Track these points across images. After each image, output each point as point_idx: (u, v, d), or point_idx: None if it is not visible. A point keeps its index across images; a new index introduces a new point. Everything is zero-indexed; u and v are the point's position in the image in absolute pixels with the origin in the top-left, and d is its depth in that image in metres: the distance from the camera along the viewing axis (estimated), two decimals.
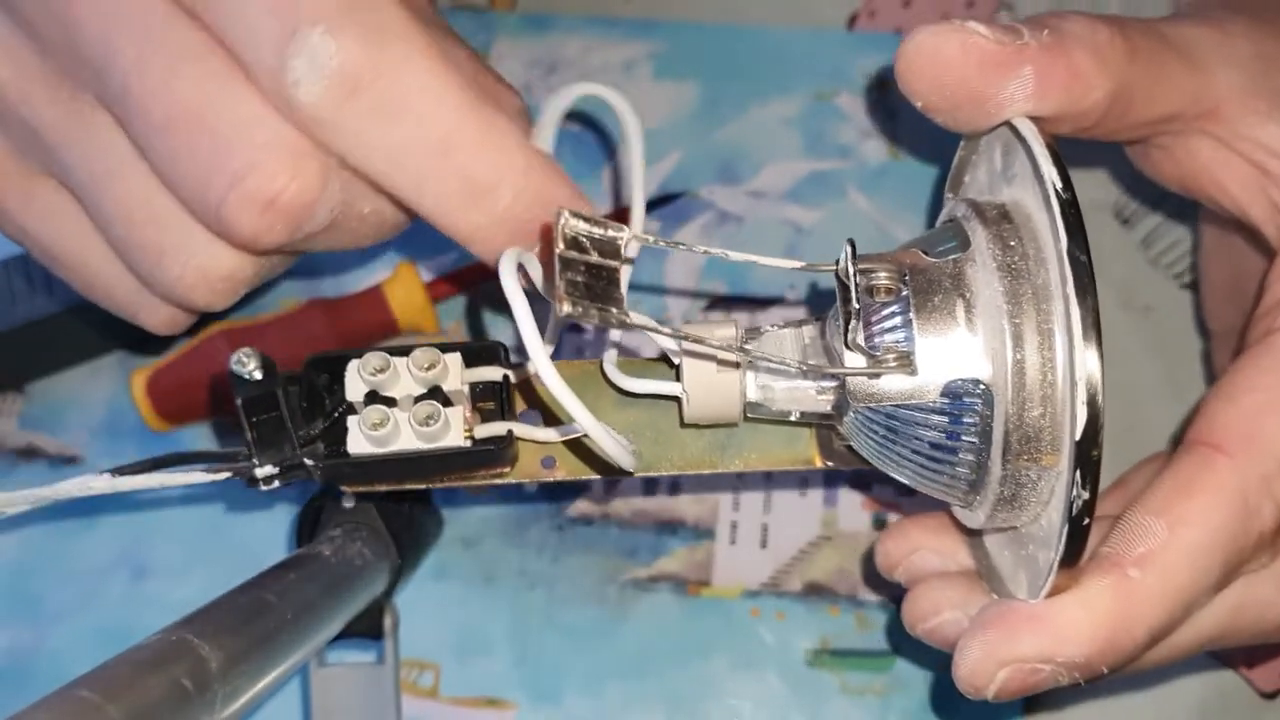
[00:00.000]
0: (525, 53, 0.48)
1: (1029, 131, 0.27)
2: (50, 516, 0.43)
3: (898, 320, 0.27)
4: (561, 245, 0.26)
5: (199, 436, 0.43)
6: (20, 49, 0.29)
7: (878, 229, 0.45)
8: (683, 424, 0.31)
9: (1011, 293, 0.26)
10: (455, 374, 0.30)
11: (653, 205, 0.46)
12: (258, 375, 0.28)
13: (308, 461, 0.29)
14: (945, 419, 0.27)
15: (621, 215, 0.30)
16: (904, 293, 0.27)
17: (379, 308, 0.43)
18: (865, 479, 0.43)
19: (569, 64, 0.48)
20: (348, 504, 0.36)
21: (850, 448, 0.30)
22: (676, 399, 0.30)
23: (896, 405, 0.27)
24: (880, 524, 0.42)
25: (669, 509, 0.43)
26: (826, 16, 0.49)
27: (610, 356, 0.31)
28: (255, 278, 0.31)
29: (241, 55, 0.27)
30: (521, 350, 0.25)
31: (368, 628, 0.37)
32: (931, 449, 0.28)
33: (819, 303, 0.45)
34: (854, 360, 0.27)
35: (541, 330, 0.25)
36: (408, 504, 0.38)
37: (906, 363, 0.27)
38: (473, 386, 0.31)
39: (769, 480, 0.43)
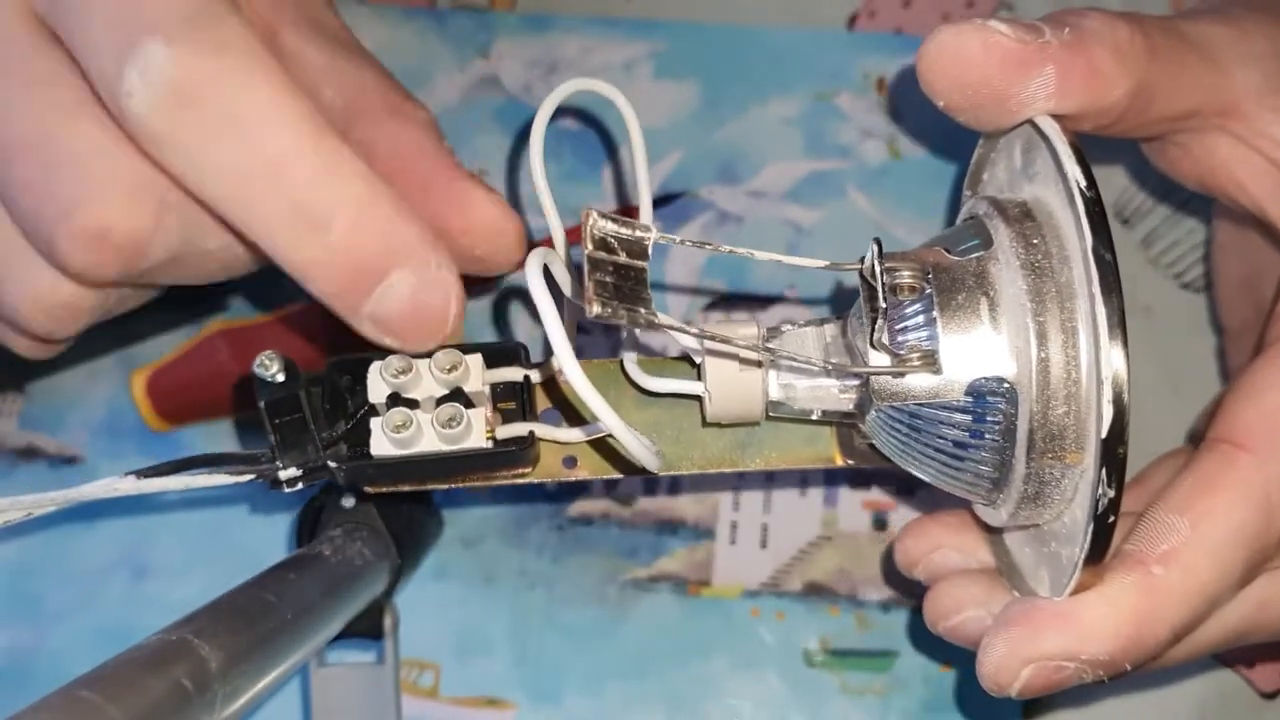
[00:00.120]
0: (525, 53, 0.48)
1: (1052, 130, 0.27)
2: (51, 517, 0.43)
3: (921, 319, 0.27)
4: (590, 246, 0.26)
5: (199, 436, 0.43)
6: None
7: (878, 229, 0.45)
8: (704, 423, 0.31)
9: (1035, 291, 0.26)
10: (476, 375, 0.30)
11: (653, 205, 0.46)
12: (280, 377, 0.28)
13: (331, 463, 0.30)
14: (969, 417, 0.27)
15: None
16: (927, 291, 0.27)
17: None
18: (865, 477, 0.43)
19: (569, 64, 0.48)
20: (347, 504, 0.36)
21: (872, 446, 0.30)
22: (698, 398, 0.30)
23: (920, 404, 0.27)
24: (880, 524, 0.42)
25: (669, 509, 0.43)
26: (826, 16, 0.49)
27: (631, 355, 0.31)
28: (98, 309, 0.30)
29: (87, 69, 0.26)
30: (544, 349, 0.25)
31: (368, 628, 0.37)
32: (955, 447, 0.28)
33: (817, 302, 0.45)
34: (878, 359, 0.27)
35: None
36: (408, 504, 0.38)
37: (931, 361, 0.27)
38: (494, 387, 0.31)
39: (769, 480, 0.43)
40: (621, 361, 0.31)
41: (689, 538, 0.42)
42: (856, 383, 0.29)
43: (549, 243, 0.31)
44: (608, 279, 0.26)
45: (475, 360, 0.30)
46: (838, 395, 0.30)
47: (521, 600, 0.41)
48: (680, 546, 0.42)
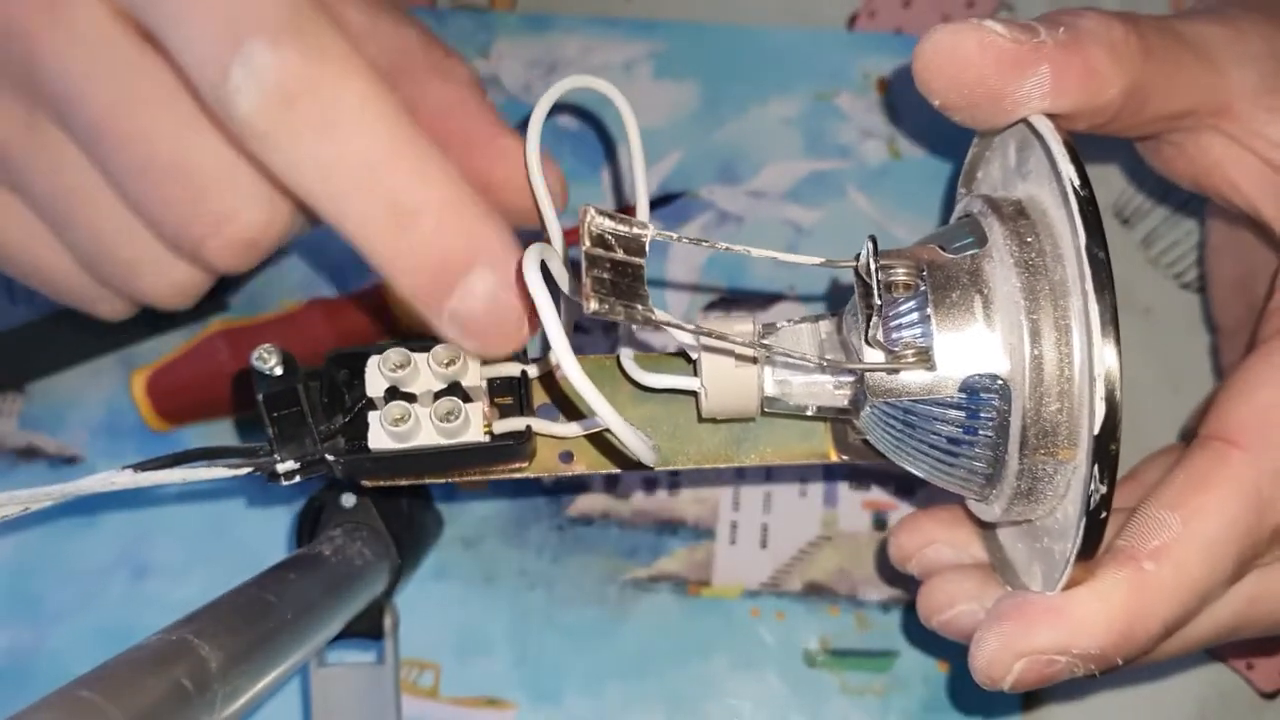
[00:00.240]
0: (525, 53, 0.48)
1: (1046, 129, 0.27)
2: (50, 516, 0.43)
3: (916, 316, 0.27)
4: (587, 242, 0.26)
5: (199, 436, 0.43)
6: None
7: (878, 229, 0.45)
8: (700, 418, 0.31)
9: (1029, 288, 0.26)
10: (474, 370, 0.30)
11: (653, 205, 0.46)
12: (278, 371, 0.28)
13: (329, 456, 0.30)
14: (963, 414, 0.27)
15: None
16: (922, 289, 0.27)
17: (379, 307, 0.43)
18: (864, 477, 0.43)
19: (569, 64, 0.48)
20: (348, 504, 0.36)
21: (866, 442, 0.30)
22: (694, 394, 0.31)
23: (914, 400, 0.27)
24: (880, 524, 0.42)
25: (669, 509, 0.43)
26: (826, 16, 0.49)
27: (628, 351, 0.31)
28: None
29: (186, 69, 0.27)
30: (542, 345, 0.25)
31: (368, 628, 0.37)
32: (949, 443, 0.28)
33: (816, 301, 0.45)
34: (873, 355, 0.27)
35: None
36: (408, 504, 0.38)
37: (925, 358, 0.27)
38: (491, 382, 0.31)
39: (769, 479, 0.43)
40: (618, 357, 0.31)
41: (689, 538, 0.42)
42: (851, 379, 0.29)
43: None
44: (605, 275, 0.26)
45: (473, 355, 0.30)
46: (832, 391, 0.30)
47: (521, 600, 0.41)
48: (680, 546, 0.42)
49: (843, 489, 0.43)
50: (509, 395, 0.31)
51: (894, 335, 0.27)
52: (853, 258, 0.28)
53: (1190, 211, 0.45)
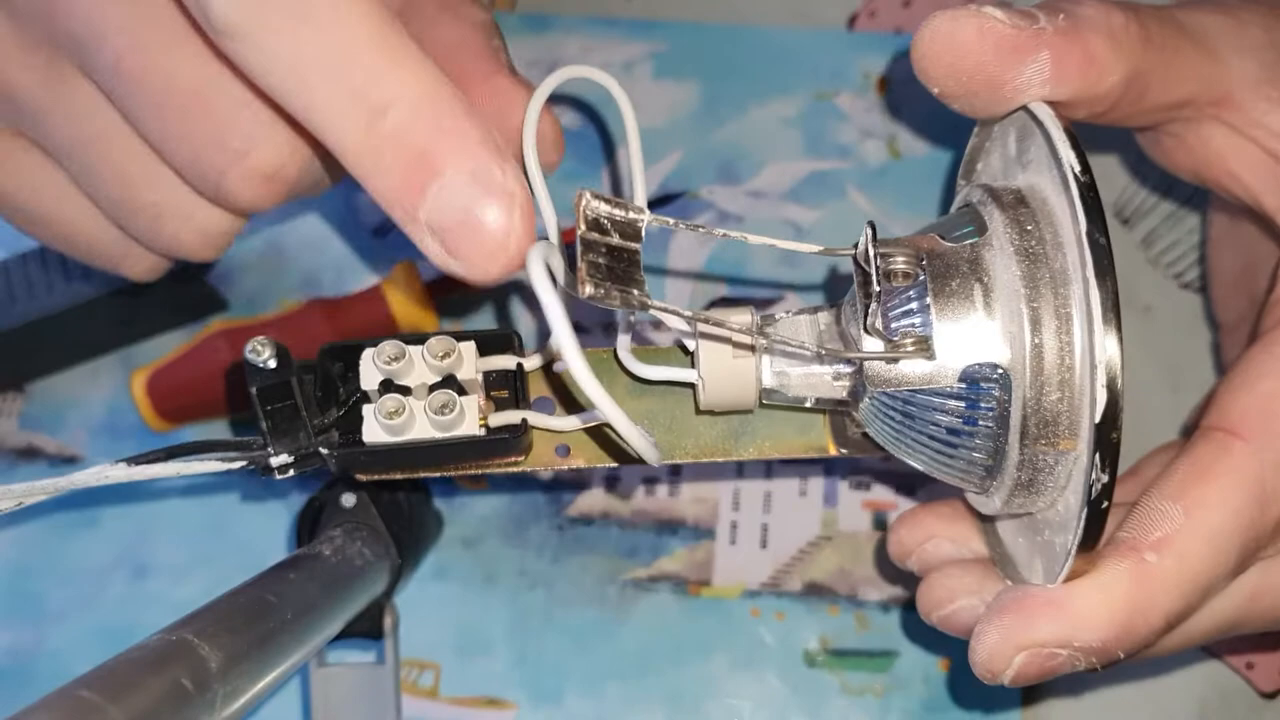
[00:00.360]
0: (525, 53, 0.48)
1: (1046, 116, 0.27)
2: (50, 515, 0.43)
3: (915, 305, 0.27)
4: (583, 226, 0.26)
5: (199, 436, 0.43)
6: None
7: (878, 229, 0.45)
8: (698, 411, 0.31)
9: (1029, 277, 0.26)
10: (470, 363, 0.30)
11: (653, 205, 0.46)
12: (272, 364, 0.28)
13: (323, 450, 0.29)
14: (963, 404, 0.27)
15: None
16: (921, 278, 0.27)
17: (379, 307, 0.43)
18: (864, 473, 0.43)
19: (569, 64, 0.48)
20: (348, 504, 0.36)
21: (865, 435, 0.30)
22: (691, 386, 0.30)
23: (913, 390, 0.27)
24: (880, 524, 0.42)
25: (669, 509, 0.43)
26: (826, 16, 0.49)
27: (624, 343, 0.31)
28: (242, 227, 0.33)
29: None
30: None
31: (368, 628, 0.37)
32: (948, 434, 0.28)
33: (814, 298, 0.45)
34: (872, 345, 0.27)
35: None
36: (408, 504, 0.38)
37: (924, 347, 0.27)
38: (487, 375, 0.31)
39: (769, 480, 0.43)
40: (614, 350, 0.31)
41: (689, 538, 0.42)
42: (850, 370, 0.29)
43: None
44: (600, 260, 0.25)
45: (468, 347, 0.30)
46: (831, 383, 0.30)
47: (521, 600, 0.42)
48: (680, 546, 0.42)
49: (843, 489, 0.43)
50: (505, 388, 0.31)
51: (893, 324, 0.27)
52: (851, 246, 0.28)
53: (1190, 211, 0.45)
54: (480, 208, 0.25)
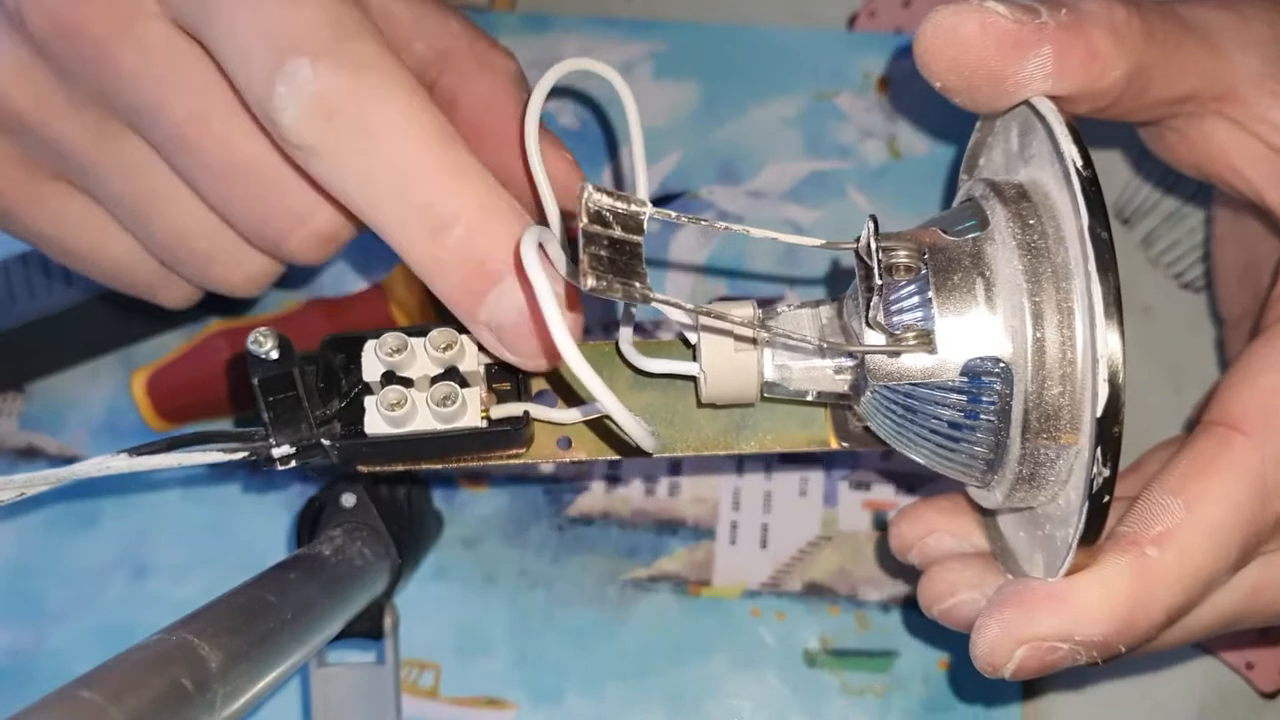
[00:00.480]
0: (525, 53, 0.48)
1: (1048, 110, 0.27)
2: (51, 515, 0.43)
3: (917, 299, 0.27)
4: (585, 219, 0.26)
5: None
6: (42, 77, 0.30)
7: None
8: (699, 404, 0.31)
9: (1031, 271, 0.26)
10: (471, 355, 0.30)
11: (653, 204, 0.46)
12: (274, 355, 0.28)
13: (324, 441, 0.29)
14: (964, 397, 0.27)
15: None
16: (923, 271, 0.27)
17: (379, 307, 0.43)
18: (864, 475, 0.43)
19: None
20: (348, 503, 0.36)
21: (867, 428, 0.30)
22: (693, 379, 0.30)
23: (915, 384, 0.27)
24: (881, 524, 0.42)
25: (669, 509, 0.43)
26: (826, 16, 0.49)
27: (626, 336, 0.31)
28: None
29: (235, 80, 0.28)
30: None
31: (368, 628, 0.37)
32: (950, 428, 0.28)
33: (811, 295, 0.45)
34: (874, 338, 0.27)
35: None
36: (409, 504, 0.38)
37: (926, 341, 0.27)
38: (488, 367, 0.31)
39: (769, 479, 0.43)
40: (616, 343, 0.31)
41: (689, 538, 0.42)
42: (851, 364, 0.29)
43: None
44: (603, 253, 0.25)
45: (470, 340, 0.30)
46: (832, 376, 0.30)
47: (521, 600, 0.41)
48: (680, 546, 0.42)
49: (843, 489, 0.43)
50: (506, 381, 0.31)
51: (894, 318, 0.27)
52: (853, 240, 0.28)
53: (1191, 210, 0.45)
54: (535, 313, 0.27)
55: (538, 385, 0.32)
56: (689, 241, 0.46)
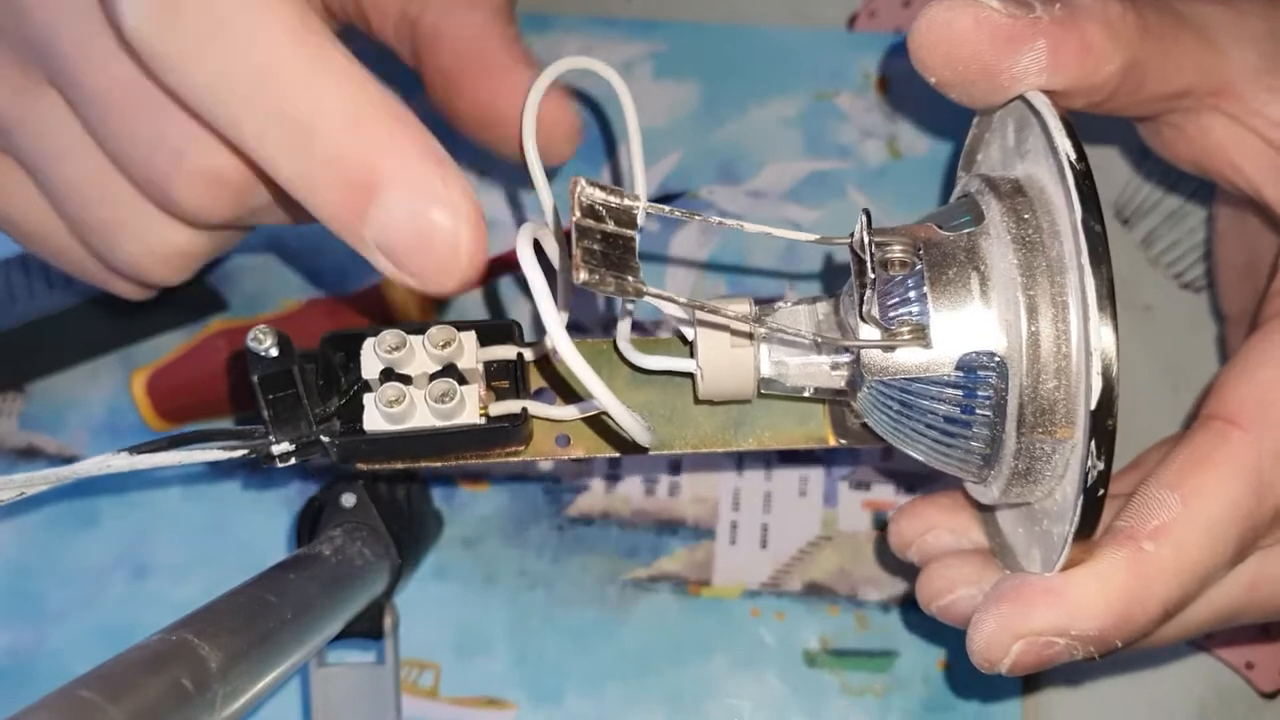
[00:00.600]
0: None
1: (1042, 104, 0.27)
2: (51, 515, 0.43)
3: (912, 294, 0.27)
4: (578, 213, 0.25)
5: None
6: None
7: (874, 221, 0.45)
8: (696, 400, 0.31)
9: (1026, 265, 0.26)
10: (470, 352, 0.30)
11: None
12: (274, 352, 0.28)
13: (324, 438, 0.29)
14: (960, 392, 0.27)
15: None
16: (918, 266, 0.27)
17: (379, 307, 0.43)
18: (864, 475, 0.43)
19: None
20: (348, 504, 0.36)
21: (864, 425, 0.30)
22: (690, 376, 0.30)
23: (911, 379, 0.27)
24: (881, 524, 0.42)
25: (669, 509, 0.43)
26: (826, 16, 0.49)
27: (624, 332, 0.31)
28: (210, 252, 0.31)
29: None
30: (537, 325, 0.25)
31: (368, 628, 0.37)
32: (946, 423, 0.28)
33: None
34: (869, 333, 0.27)
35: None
36: (408, 504, 0.38)
37: (921, 335, 0.27)
38: (487, 365, 0.31)
39: (769, 480, 0.43)
40: (614, 341, 0.31)
41: (689, 538, 0.42)
42: (848, 360, 0.29)
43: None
44: (595, 247, 0.25)
45: (469, 337, 0.30)
46: (829, 372, 0.30)
47: (521, 600, 0.41)
48: (680, 546, 0.42)
49: (843, 489, 0.43)
50: (505, 378, 0.31)
51: (890, 313, 0.27)
52: (847, 235, 0.28)
53: (1191, 211, 0.45)
54: (422, 222, 0.24)
55: (536, 383, 0.32)
56: (689, 242, 0.46)
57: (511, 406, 0.30)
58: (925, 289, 0.27)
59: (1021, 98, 0.28)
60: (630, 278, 0.25)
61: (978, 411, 0.27)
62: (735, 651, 0.41)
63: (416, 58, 0.35)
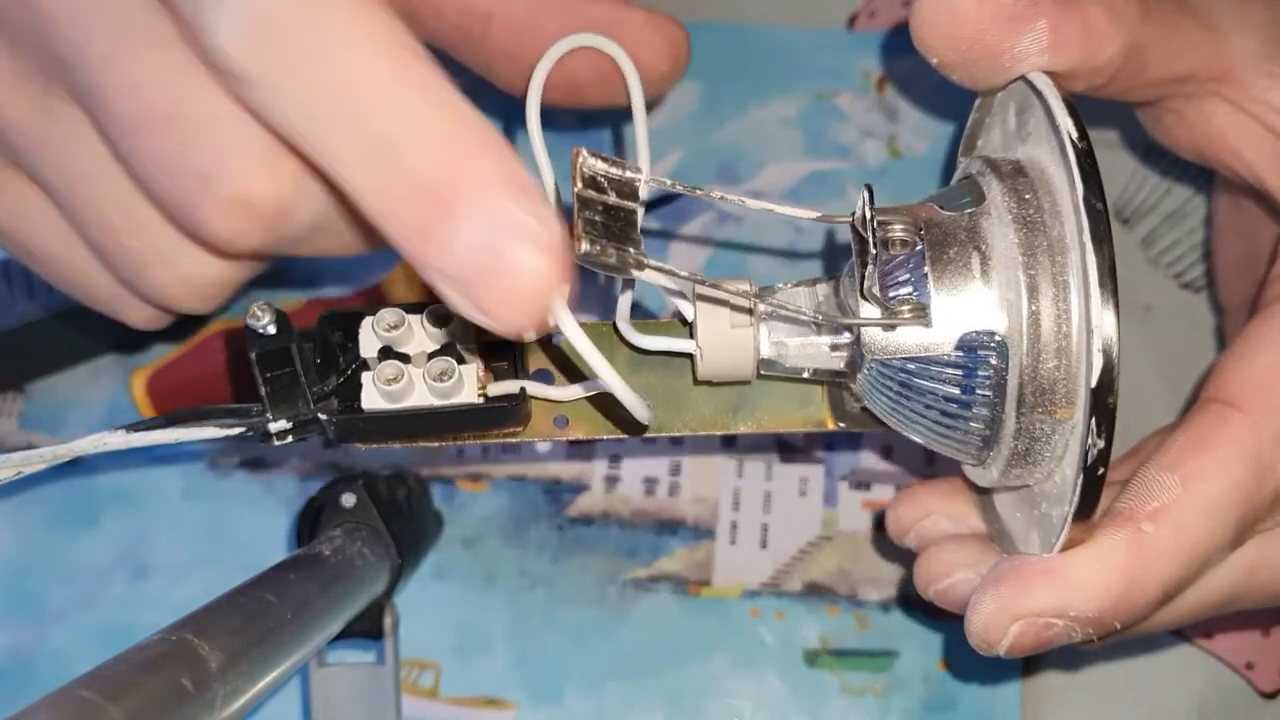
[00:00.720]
0: None
1: (1044, 84, 0.27)
2: (51, 515, 0.43)
3: (913, 273, 0.27)
4: (579, 184, 0.25)
5: None
6: None
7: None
8: (695, 381, 0.31)
9: (1027, 245, 0.26)
10: (469, 332, 0.30)
11: (652, 205, 0.46)
12: (272, 330, 0.28)
13: (321, 416, 0.29)
14: (960, 372, 0.27)
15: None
16: (919, 246, 0.27)
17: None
18: (864, 475, 0.43)
19: None
20: (348, 504, 0.36)
21: (864, 408, 0.30)
22: (689, 357, 0.30)
23: (911, 359, 0.27)
24: (881, 524, 0.42)
25: (669, 509, 0.43)
26: (826, 16, 0.49)
27: (623, 310, 0.30)
28: (242, 281, 0.30)
29: (177, 12, 0.25)
30: None
31: (368, 628, 0.37)
32: (946, 403, 0.28)
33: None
34: (869, 312, 0.27)
35: None
36: (408, 504, 0.38)
37: (921, 314, 0.27)
38: (486, 346, 0.31)
39: (769, 480, 0.43)
40: (614, 323, 0.31)
41: (689, 538, 0.42)
42: (848, 341, 0.29)
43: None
44: (596, 218, 0.25)
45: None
46: (829, 353, 0.29)
47: (521, 600, 0.41)
48: (680, 546, 0.42)
49: (843, 489, 0.43)
50: (504, 359, 0.31)
51: (890, 292, 0.27)
52: (849, 214, 0.28)
53: (1191, 211, 0.45)
54: (493, 249, 0.22)
55: (535, 363, 0.32)
56: (687, 246, 0.46)
57: (510, 386, 0.30)
58: (926, 268, 0.27)
59: (1023, 78, 0.28)
60: (631, 250, 0.25)
61: (978, 391, 0.27)
62: (735, 651, 0.41)
63: (483, 48, 0.35)
